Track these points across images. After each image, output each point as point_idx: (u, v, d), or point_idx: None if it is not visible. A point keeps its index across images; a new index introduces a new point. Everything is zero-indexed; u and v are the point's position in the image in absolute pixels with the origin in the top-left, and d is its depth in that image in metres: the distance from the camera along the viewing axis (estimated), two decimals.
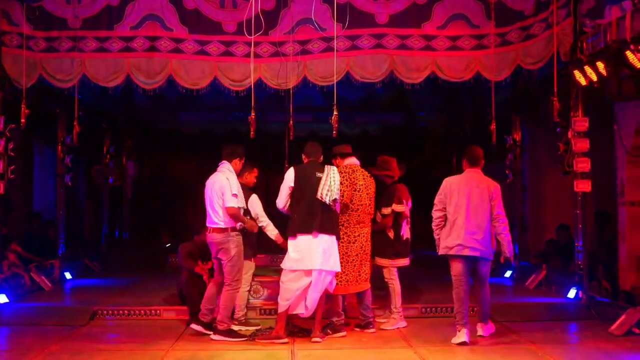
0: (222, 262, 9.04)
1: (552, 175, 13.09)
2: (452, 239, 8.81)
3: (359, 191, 9.12)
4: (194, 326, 9.26)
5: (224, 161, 9.27)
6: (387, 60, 11.01)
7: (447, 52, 11.02)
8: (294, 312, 8.91)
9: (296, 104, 11.42)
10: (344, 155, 9.38)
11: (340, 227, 9.04)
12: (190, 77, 11.10)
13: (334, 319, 9.11)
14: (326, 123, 10.71)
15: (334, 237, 8.84)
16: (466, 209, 8.73)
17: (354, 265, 9.12)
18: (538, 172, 14.93)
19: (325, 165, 8.92)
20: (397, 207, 9.64)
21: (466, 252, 8.77)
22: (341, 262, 8.99)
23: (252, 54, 10.67)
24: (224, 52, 11.08)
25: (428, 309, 10.48)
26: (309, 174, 8.86)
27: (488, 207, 8.77)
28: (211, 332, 9.14)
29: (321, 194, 8.67)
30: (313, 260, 8.66)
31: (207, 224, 9.09)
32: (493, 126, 11.07)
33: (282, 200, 8.88)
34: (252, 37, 10.38)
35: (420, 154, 20.95)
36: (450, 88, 15.32)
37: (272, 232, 9.56)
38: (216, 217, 8.98)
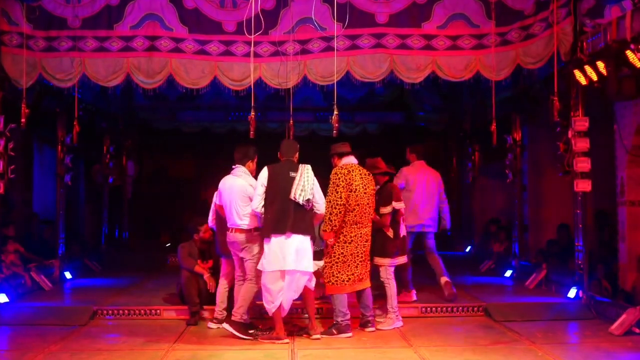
0: (245, 259, 9.13)
1: (552, 175, 13.09)
2: (413, 219, 10.87)
3: (355, 191, 9.04)
4: (211, 325, 9.49)
5: (237, 165, 9.30)
6: (387, 60, 11.00)
7: (447, 52, 11.01)
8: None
9: (296, 103, 11.43)
10: (342, 154, 9.31)
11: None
12: (190, 77, 11.08)
13: (340, 319, 9.07)
14: (326, 122, 10.76)
15: (308, 237, 8.81)
16: (423, 194, 10.99)
17: (349, 266, 9.08)
18: (538, 172, 14.93)
19: (300, 165, 8.90)
20: (397, 205, 9.65)
21: (424, 229, 11.11)
22: (337, 263, 9.01)
23: (252, 54, 10.65)
24: (224, 51, 11.07)
25: (428, 309, 10.46)
26: (282, 173, 8.82)
27: (437, 192, 11.21)
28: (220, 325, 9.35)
29: (294, 194, 8.64)
30: (286, 260, 8.64)
31: (229, 225, 9.15)
32: (494, 127, 11.05)
33: (257, 202, 8.79)
34: (252, 36, 10.37)
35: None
36: (451, 88, 15.40)
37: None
38: (239, 220, 9.07)
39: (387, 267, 9.65)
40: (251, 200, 8.93)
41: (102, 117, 16.62)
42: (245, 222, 9.06)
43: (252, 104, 10.37)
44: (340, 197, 8.93)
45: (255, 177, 9.20)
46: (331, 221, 8.92)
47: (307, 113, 17.97)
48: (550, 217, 14.70)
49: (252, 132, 10.38)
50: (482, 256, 15.94)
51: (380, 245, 9.57)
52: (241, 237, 9.06)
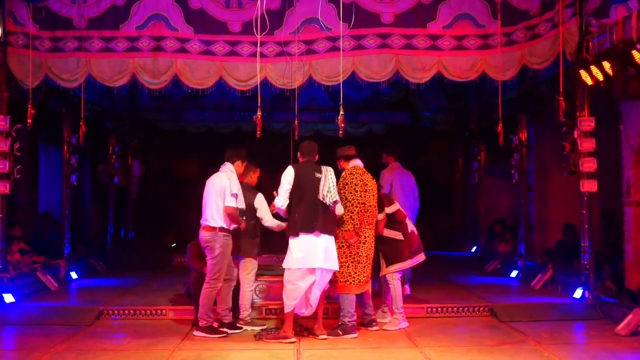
0: (207, 259, 9.18)
1: (558, 175, 13.06)
2: None
3: (368, 192, 9.17)
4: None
5: (226, 162, 9.41)
6: (392, 60, 10.99)
7: (453, 52, 11.00)
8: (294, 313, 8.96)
9: (301, 103, 11.41)
10: (349, 158, 9.43)
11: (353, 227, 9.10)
12: (196, 77, 11.09)
13: (347, 320, 9.09)
14: (331, 123, 10.72)
15: (332, 238, 8.91)
16: (403, 195, 11.35)
17: (364, 266, 9.16)
18: (544, 172, 14.91)
19: (322, 166, 8.95)
20: (389, 209, 9.72)
21: None
22: (352, 263, 9.09)
23: (258, 54, 10.66)
24: (230, 52, 11.07)
25: (434, 309, 10.47)
26: (308, 173, 8.89)
27: (413, 191, 11.72)
28: (236, 331, 9.37)
29: (323, 195, 8.72)
30: (316, 258, 8.72)
31: (201, 221, 9.23)
32: (500, 127, 11.02)
33: (283, 200, 8.88)
34: (259, 36, 10.38)
35: (425, 154, 20.97)
36: (456, 88, 15.38)
37: (280, 226, 9.61)
38: (209, 215, 9.13)
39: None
40: (224, 195, 9.03)
41: (108, 117, 16.64)
42: (211, 218, 9.08)
43: (259, 104, 10.36)
44: (361, 197, 9.07)
45: (242, 176, 9.47)
46: (353, 220, 9.05)
47: (312, 113, 17.97)
48: (556, 217, 14.68)
49: (258, 132, 10.37)
50: (488, 256, 15.93)
51: (394, 250, 9.64)
52: (206, 235, 9.11)
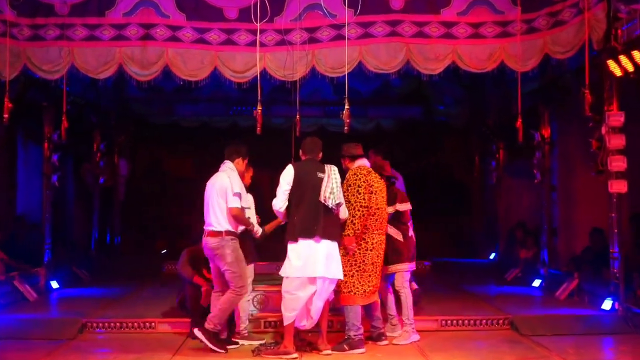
0: (221, 269, 9.08)
1: (584, 175, 13.06)
2: None
3: (375, 194, 9.13)
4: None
5: (226, 160, 9.35)
6: (402, 49, 10.98)
7: (469, 40, 10.99)
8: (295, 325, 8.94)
9: (303, 97, 11.42)
10: (355, 157, 9.38)
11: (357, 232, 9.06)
12: (188, 68, 11.09)
13: (352, 333, 9.06)
14: (336, 118, 10.72)
15: (335, 244, 8.86)
16: None
17: (370, 275, 9.12)
18: (569, 171, 14.89)
19: (325, 165, 8.93)
20: (400, 207, 9.69)
21: None
22: (357, 272, 9.04)
23: (257, 43, 10.65)
24: (225, 40, 11.07)
25: (448, 322, 10.45)
26: (309, 173, 8.87)
27: None
28: (233, 346, 9.34)
29: (324, 196, 8.68)
30: (316, 266, 8.69)
31: (204, 227, 9.17)
32: (519, 122, 10.99)
33: (281, 201, 8.85)
34: (258, 24, 10.38)
35: (439, 152, 20.99)
36: (472, 79, 15.37)
37: (256, 232, 9.63)
38: (213, 219, 9.07)
39: (404, 273, 9.68)
40: (227, 196, 8.98)
41: (93, 111, 16.68)
42: (217, 222, 9.03)
43: (259, 98, 10.36)
44: (364, 199, 9.00)
45: (244, 178, 9.43)
46: (354, 224, 8.98)
47: (315, 107, 18.00)
48: (582, 220, 14.64)
49: (258, 128, 10.37)
50: (508, 264, 15.93)
51: (392, 250, 9.59)
52: (213, 241, 9.03)
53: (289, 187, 8.81)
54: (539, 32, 10.96)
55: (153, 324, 10.37)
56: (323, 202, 8.67)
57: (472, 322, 10.49)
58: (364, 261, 9.07)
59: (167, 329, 10.27)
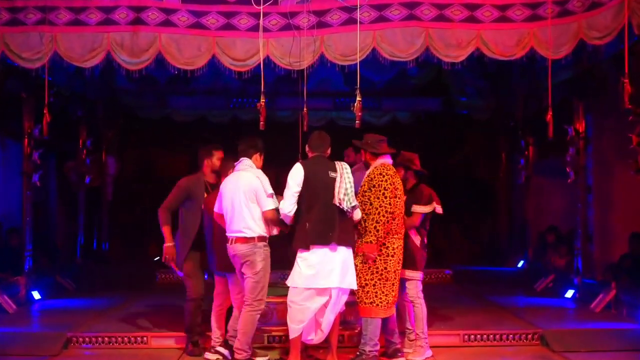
0: (245, 276, 9.06)
1: (622, 174, 13.05)
2: None
3: (399, 198, 9.10)
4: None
5: (242, 158, 9.28)
6: (421, 35, 10.95)
7: (495, 25, 10.96)
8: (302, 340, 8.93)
9: (311, 87, 11.41)
10: (377, 155, 9.28)
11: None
12: (184, 56, 11.08)
13: (368, 349, 9.03)
14: (347, 110, 10.69)
15: (350, 250, 8.87)
16: None
17: (392, 284, 9.08)
18: (605, 170, 14.88)
19: (336, 163, 8.90)
20: (438, 208, 9.63)
21: None
22: (379, 280, 8.99)
23: (260, 28, 10.65)
24: (224, 25, 11.05)
25: (471, 337, 10.46)
26: (320, 172, 8.83)
27: None
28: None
29: (339, 199, 8.65)
30: (331, 277, 8.68)
31: (229, 234, 9.09)
32: (549, 116, 10.96)
33: (290, 204, 8.77)
34: (261, 6, 10.37)
35: (461, 148, 20.98)
36: (499, 68, 15.34)
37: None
38: (242, 224, 8.99)
39: (417, 282, 9.64)
40: (258, 198, 8.93)
41: (78, 103, 16.70)
42: (246, 227, 8.97)
43: (262, 89, 10.36)
44: (389, 204, 8.94)
45: (224, 175, 9.41)
46: (377, 231, 8.92)
47: (324, 99, 18.01)
48: (620, 224, 14.64)
49: (262, 123, 10.36)
50: (538, 272, 15.90)
51: (407, 255, 9.53)
52: (243, 248, 8.97)
53: (299, 189, 8.76)
54: (573, 15, 10.90)
55: (145, 338, 10.40)
56: (337, 204, 8.64)
57: (497, 336, 10.48)
58: (385, 268, 9.01)
59: (161, 344, 10.30)
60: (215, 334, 9.64)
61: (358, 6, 10.56)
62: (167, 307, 10.96)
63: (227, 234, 9.11)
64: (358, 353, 9.09)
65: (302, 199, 8.78)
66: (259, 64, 10.71)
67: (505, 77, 17.60)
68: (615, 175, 14.55)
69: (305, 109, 10.97)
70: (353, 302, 9.18)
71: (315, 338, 8.98)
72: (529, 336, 10.48)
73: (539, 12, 10.93)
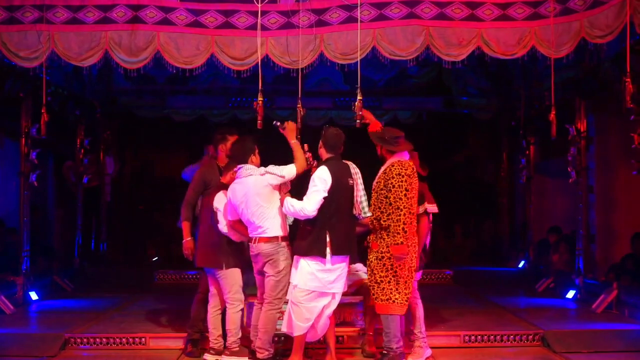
0: (267, 275, 9.10)
1: (625, 174, 13.05)
2: None
3: (416, 197, 9.05)
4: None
5: (240, 166, 9.24)
6: (422, 33, 10.95)
7: (496, 23, 10.95)
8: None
9: (310, 86, 11.43)
10: (393, 153, 9.14)
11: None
12: (182, 55, 11.07)
13: (394, 346, 8.94)
14: (347, 110, 10.69)
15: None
16: None
17: (406, 282, 8.99)
18: (607, 170, 14.89)
19: (349, 166, 8.90)
20: (430, 207, 9.60)
21: None
22: (394, 277, 8.91)
23: (259, 26, 10.65)
24: (223, 23, 11.04)
25: (472, 337, 10.45)
26: (341, 178, 8.81)
27: None
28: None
29: (360, 209, 8.72)
30: (337, 283, 8.82)
31: (252, 235, 9.12)
32: (552, 115, 10.97)
33: (315, 205, 8.67)
34: (259, 4, 10.37)
35: (462, 147, 20.99)
36: (500, 67, 15.34)
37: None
38: (264, 225, 9.02)
39: (415, 282, 9.61)
40: (273, 189, 9.02)
41: (76, 103, 16.69)
42: (273, 228, 9.02)
43: (260, 88, 10.35)
44: (411, 205, 8.89)
45: (222, 177, 9.50)
46: (405, 232, 8.81)
47: (324, 98, 17.97)
48: (622, 225, 14.66)
49: (259, 122, 10.37)
50: (539, 273, 15.92)
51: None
52: (267, 247, 9.02)
53: (326, 195, 8.69)
54: (574, 14, 10.89)
55: (144, 339, 10.39)
56: (357, 215, 8.65)
57: (498, 337, 10.48)
58: (400, 266, 8.92)
59: (160, 345, 10.30)
60: (213, 335, 9.63)
61: (358, 4, 10.56)
62: (166, 308, 10.97)
63: (249, 235, 9.13)
64: (384, 352, 9.00)
65: (325, 206, 8.71)
66: (258, 63, 10.72)
67: (507, 77, 17.62)
68: (617, 175, 14.56)
69: (299, 104, 10.88)
70: (353, 303, 9.18)
71: (313, 337, 9.04)
72: (530, 337, 10.48)
73: (540, 11, 10.92)
